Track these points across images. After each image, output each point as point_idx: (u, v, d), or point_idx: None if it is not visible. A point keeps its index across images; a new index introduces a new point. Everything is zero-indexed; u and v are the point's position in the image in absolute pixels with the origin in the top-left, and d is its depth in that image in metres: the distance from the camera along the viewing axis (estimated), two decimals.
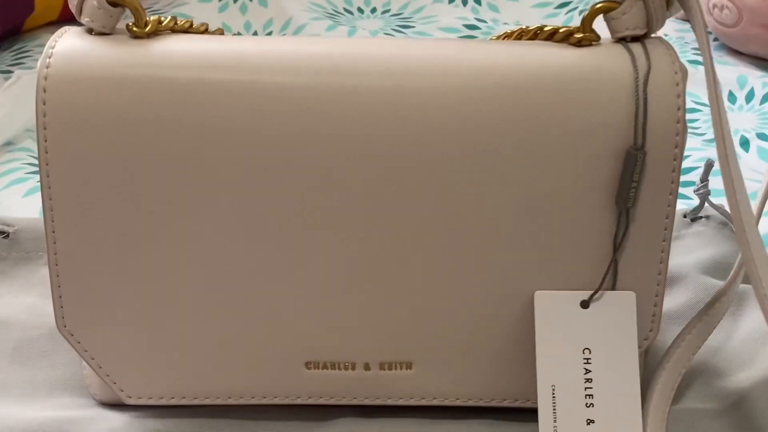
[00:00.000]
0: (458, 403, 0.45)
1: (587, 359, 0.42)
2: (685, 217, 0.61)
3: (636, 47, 0.41)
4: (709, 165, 0.60)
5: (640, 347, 0.44)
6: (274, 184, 0.41)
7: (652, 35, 0.42)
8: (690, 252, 0.58)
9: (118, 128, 0.40)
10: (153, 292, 0.42)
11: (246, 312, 0.43)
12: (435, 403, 0.45)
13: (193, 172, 0.41)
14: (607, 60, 0.41)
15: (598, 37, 0.42)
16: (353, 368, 0.44)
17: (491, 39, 0.47)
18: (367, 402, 0.45)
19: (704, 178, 0.60)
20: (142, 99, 0.40)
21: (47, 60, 0.40)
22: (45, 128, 0.40)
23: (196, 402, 0.45)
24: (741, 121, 0.83)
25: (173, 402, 0.45)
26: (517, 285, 0.42)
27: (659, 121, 0.40)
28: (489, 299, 0.43)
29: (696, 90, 0.88)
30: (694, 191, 0.60)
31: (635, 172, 0.40)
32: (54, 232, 0.41)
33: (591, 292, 0.42)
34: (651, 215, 0.41)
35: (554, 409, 0.42)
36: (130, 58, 0.41)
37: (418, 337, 0.43)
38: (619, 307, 0.42)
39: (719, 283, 0.55)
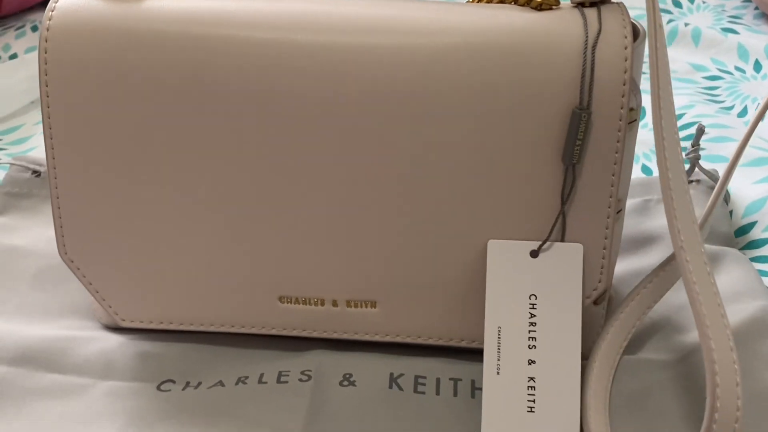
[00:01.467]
0: (419, 341, 0.49)
1: (533, 305, 0.45)
2: None
3: (591, 12, 0.43)
4: (699, 130, 0.61)
5: (589, 297, 0.46)
6: (250, 131, 0.45)
7: (613, 1, 0.44)
8: None
9: (112, 73, 0.44)
10: (143, 224, 0.47)
11: (226, 248, 0.47)
12: (397, 340, 0.49)
13: (178, 116, 0.45)
14: (560, 23, 0.43)
15: (558, 2, 0.44)
16: (322, 304, 0.48)
17: (467, 2, 0.49)
18: (335, 336, 0.49)
19: (695, 143, 0.61)
20: (134, 48, 0.44)
21: (50, 13, 0.45)
22: (46, 74, 0.45)
23: (182, 327, 0.50)
24: (764, 89, 0.83)
25: (162, 326, 0.50)
26: (472, 233, 0.45)
27: (606, 83, 0.42)
28: (446, 246, 0.46)
29: (722, 57, 0.88)
30: (685, 155, 0.62)
31: (579, 131, 0.42)
32: (55, 168, 0.46)
33: (540, 242, 0.45)
34: (597, 172, 0.44)
35: (499, 349, 0.45)
36: (125, 12, 0.45)
37: (381, 279, 0.47)
38: (566, 258, 0.45)
39: None
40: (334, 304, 0.48)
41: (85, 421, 0.45)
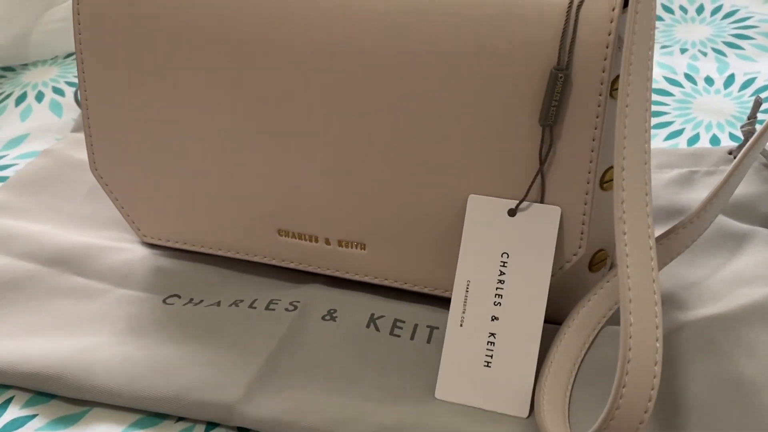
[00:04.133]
0: (405, 286, 0.50)
1: (504, 263, 0.45)
2: (730, 153, 0.60)
3: None
4: (757, 102, 0.57)
5: (569, 262, 0.46)
6: (250, 71, 0.47)
7: None
8: None
9: (135, 8, 0.48)
10: (159, 147, 0.51)
11: (232, 177, 0.50)
12: (386, 283, 0.50)
13: (190, 51, 0.48)
14: None
15: None
16: (316, 241, 0.50)
17: None
18: (329, 273, 0.51)
19: (752, 115, 0.58)
20: None
21: None
22: (78, 14, 0.49)
23: (194, 248, 0.54)
24: None
25: (177, 245, 0.54)
26: (455, 186, 0.46)
27: (588, 44, 0.41)
28: (430, 197, 0.47)
29: None
30: (740, 128, 0.58)
31: (556, 92, 0.42)
32: (86, 90, 0.51)
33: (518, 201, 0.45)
34: (576, 135, 0.43)
35: (465, 302, 0.45)
36: None
37: (370, 223, 0.49)
38: (543, 220, 0.45)
39: (729, 223, 0.54)
40: (327, 242, 0.50)
41: (91, 322, 0.50)
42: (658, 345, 0.35)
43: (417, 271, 0.49)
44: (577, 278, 0.48)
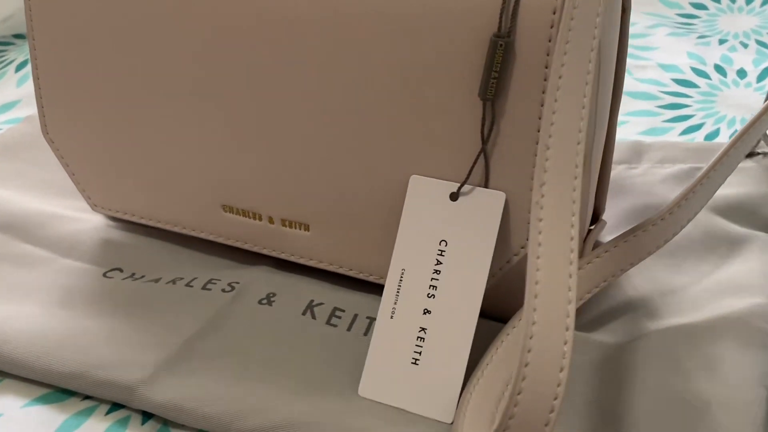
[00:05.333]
0: (351, 273, 0.46)
1: (441, 251, 0.41)
2: None
3: None
4: None
5: (517, 255, 0.41)
6: (187, 44, 0.44)
7: None
8: (722, 187, 0.51)
9: None
10: (106, 115, 0.48)
11: (175, 149, 0.47)
12: (330, 268, 0.47)
13: (131, 24, 0.45)
14: None
15: None
16: (260, 219, 0.47)
17: None
18: (275, 254, 0.48)
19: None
20: None
21: None
22: None
23: (143, 221, 0.51)
24: None
25: (126, 217, 0.52)
26: (397, 166, 0.42)
27: (531, 10, 0.37)
28: (372, 176, 0.43)
29: None
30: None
31: (495, 62, 0.37)
32: (35, 49, 0.49)
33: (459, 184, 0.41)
34: (519, 110, 0.38)
35: (398, 292, 0.41)
36: None
37: (312, 202, 0.45)
38: (485, 205, 0.40)
39: (724, 226, 0.49)
40: (271, 221, 0.47)
41: (26, 290, 0.48)
42: (566, 349, 0.31)
43: (361, 257, 0.46)
44: None
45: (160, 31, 0.45)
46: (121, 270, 0.50)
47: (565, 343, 0.31)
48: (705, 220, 0.49)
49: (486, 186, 0.40)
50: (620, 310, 0.45)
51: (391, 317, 0.41)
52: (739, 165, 0.53)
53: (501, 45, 0.37)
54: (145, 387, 0.40)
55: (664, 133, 0.60)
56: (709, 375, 0.39)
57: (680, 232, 0.43)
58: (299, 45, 0.42)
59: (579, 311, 0.46)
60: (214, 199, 0.48)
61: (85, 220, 0.54)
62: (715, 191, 0.44)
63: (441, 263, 0.41)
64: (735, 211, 0.49)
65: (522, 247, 0.41)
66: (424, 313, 0.41)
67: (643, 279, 0.47)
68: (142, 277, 0.49)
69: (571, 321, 0.31)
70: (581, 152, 0.34)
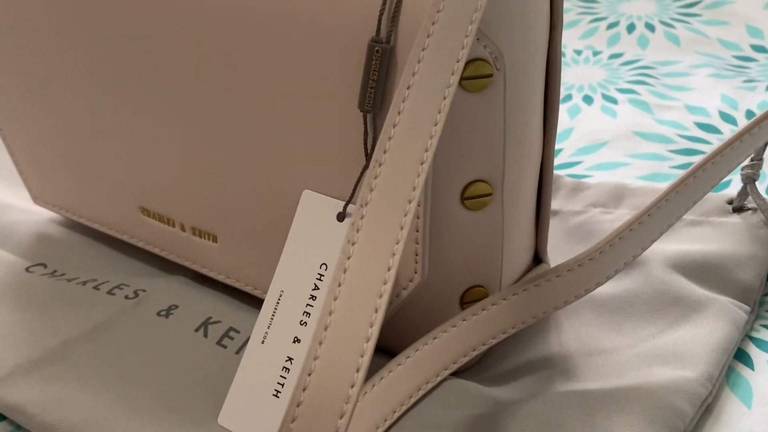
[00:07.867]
0: (256, 292, 0.43)
1: (320, 275, 0.37)
2: (729, 203, 0.47)
3: None
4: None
5: (405, 289, 0.37)
6: (108, 43, 0.42)
7: None
8: (694, 242, 0.45)
9: None
10: (39, 107, 0.47)
11: (97, 146, 0.46)
12: (236, 285, 0.44)
13: (58, 19, 0.44)
14: None
15: None
16: (173, 225, 0.45)
17: None
18: (187, 264, 0.45)
19: (757, 157, 0.45)
20: None
21: None
22: None
23: (75, 218, 0.50)
24: None
25: (62, 213, 0.50)
26: (291, 180, 0.39)
27: (416, 11, 0.33)
28: (269, 189, 0.40)
29: None
30: (741, 170, 0.46)
31: (372, 69, 0.33)
32: None
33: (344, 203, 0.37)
34: None
35: (273, 316, 0.38)
36: None
37: (219, 214, 0.42)
38: None
39: (685, 287, 0.43)
40: (182, 228, 0.44)
41: None
42: (351, 392, 0.26)
43: (262, 275, 0.42)
44: (441, 314, 0.39)
45: (65, 30, 0.43)
46: (45, 266, 0.48)
47: (353, 386, 0.26)
48: (663, 277, 0.43)
49: None
50: (537, 365, 0.40)
51: (262, 342, 0.38)
52: (723, 220, 0.46)
53: (377, 51, 0.33)
54: None
55: (666, 180, 0.54)
56: None
57: (608, 282, 0.37)
58: (200, 41, 0.39)
59: (492, 362, 0.41)
60: (133, 199, 0.46)
61: (31, 212, 0.53)
62: (663, 231, 0.38)
63: (318, 288, 0.37)
64: (702, 272, 0.43)
65: (410, 281, 0.37)
66: (294, 342, 0.37)
67: (574, 335, 0.41)
68: (63, 275, 0.47)
69: (365, 361, 0.27)
70: (424, 173, 0.30)
